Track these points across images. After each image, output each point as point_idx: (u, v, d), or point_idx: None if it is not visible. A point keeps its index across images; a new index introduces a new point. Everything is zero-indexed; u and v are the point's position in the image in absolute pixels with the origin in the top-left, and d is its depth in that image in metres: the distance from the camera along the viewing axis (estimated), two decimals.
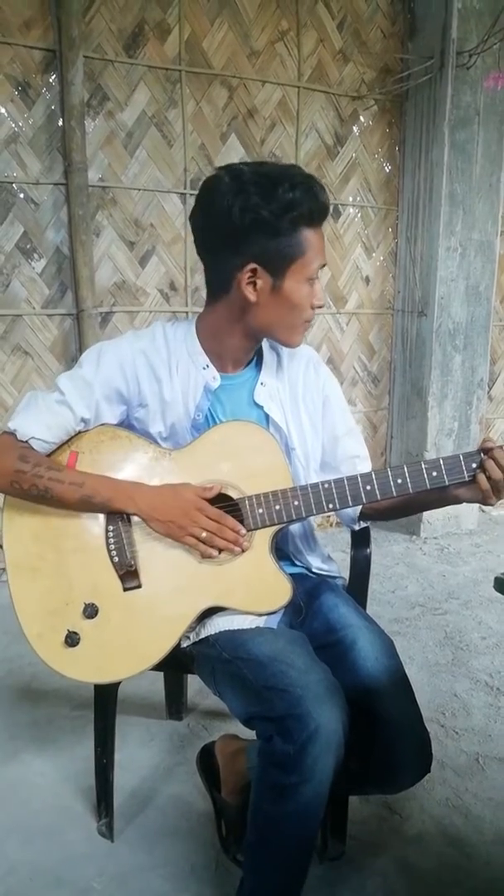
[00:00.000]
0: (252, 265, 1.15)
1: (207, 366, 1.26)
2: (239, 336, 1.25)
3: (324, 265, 1.20)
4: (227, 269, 1.17)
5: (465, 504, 1.22)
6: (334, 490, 1.17)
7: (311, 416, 1.34)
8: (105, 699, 1.42)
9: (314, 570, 1.39)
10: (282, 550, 1.35)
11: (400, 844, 1.47)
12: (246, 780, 1.37)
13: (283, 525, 1.20)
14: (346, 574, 1.45)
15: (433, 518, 3.37)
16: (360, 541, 1.47)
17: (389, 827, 1.51)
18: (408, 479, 1.16)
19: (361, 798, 1.55)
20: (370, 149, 3.25)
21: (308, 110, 3.07)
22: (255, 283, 1.17)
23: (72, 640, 1.16)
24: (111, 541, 1.19)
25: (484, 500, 1.16)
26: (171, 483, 1.20)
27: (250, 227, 1.12)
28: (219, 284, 1.22)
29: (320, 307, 1.23)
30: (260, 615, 1.19)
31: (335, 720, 1.02)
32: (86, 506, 1.18)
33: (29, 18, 2.49)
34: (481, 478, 1.13)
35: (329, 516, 3.38)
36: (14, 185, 2.57)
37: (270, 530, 1.19)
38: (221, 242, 1.17)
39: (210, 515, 1.17)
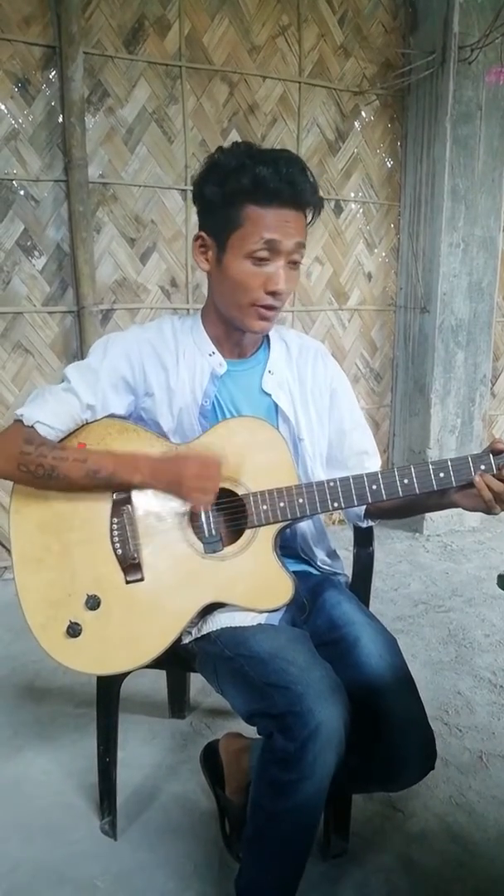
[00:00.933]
0: (200, 233, 1.21)
1: (213, 353, 1.27)
2: (221, 318, 1.26)
3: (270, 241, 1.12)
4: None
5: None
6: (339, 489, 1.17)
7: (318, 408, 1.33)
8: (108, 697, 1.42)
9: (318, 564, 1.38)
10: (290, 547, 1.35)
11: (403, 842, 1.46)
12: (250, 779, 1.36)
13: (288, 523, 1.20)
14: (348, 572, 1.44)
15: (436, 515, 3.36)
16: (363, 539, 1.46)
17: (392, 824, 1.51)
18: (414, 480, 1.14)
19: (365, 795, 1.55)
20: (372, 144, 3.24)
21: (309, 105, 3.06)
22: (205, 253, 1.21)
23: (73, 630, 1.16)
24: (115, 533, 1.19)
25: (487, 510, 1.14)
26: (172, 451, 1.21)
27: (200, 201, 1.20)
28: None
29: (274, 293, 1.16)
30: (261, 612, 1.19)
31: (336, 718, 1.01)
32: (92, 480, 1.16)
33: (28, 15, 2.48)
34: (482, 488, 1.11)
35: (332, 514, 3.37)
36: (14, 181, 2.57)
37: (275, 528, 1.19)
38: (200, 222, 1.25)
39: (209, 467, 1.16)
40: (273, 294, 1.16)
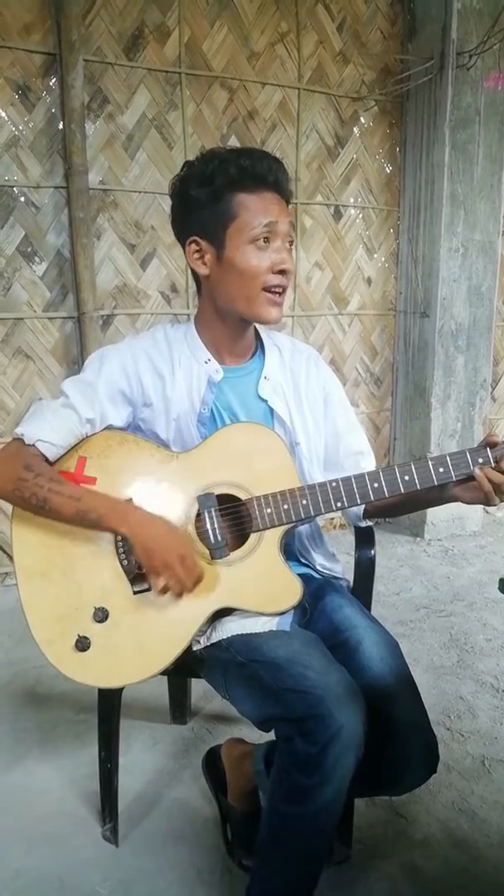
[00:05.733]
0: (192, 238, 1.21)
1: (209, 360, 1.28)
2: (220, 321, 1.27)
3: (270, 223, 1.16)
4: (185, 256, 1.24)
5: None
6: (342, 488, 1.17)
7: (313, 411, 1.34)
8: (109, 703, 1.41)
9: (318, 567, 1.38)
10: (289, 550, 1.35)
11: (406, 848, 1.46)
12: (252, 785, 1.36)
13: (292, 525, 1.20)
14: (350, 576, 1.44)
15: (437, 520, 3.36)
16: (364, 542, 1.46)
17: (395, 830, 1.50)
18: (415, 476, 1.15)
19: (367, 802, 1.54)
20: (371, 150, 3.25)
21: (308, 112, 3.07)
22: (202, 257, 1.21)
23: (82, 644, 1.15)
24: (120, 543, 1.19)
25: (487, 502, 1.15)
26: (170, 521, 1.18)
27: (188, 207, 1.20)
28: (194, 276, 1.27)
29: (282, 272, 1.18)
30: (270, 615, 1.18)
31: (356, 720, 1.01)
32: (80, 520, 1.16)
33: (29, 22, 2.49)
34: (482, 480, 1.12)
35: (333, 518, 3.37)
36: (15, 188, 2.58)
37: (279, 530, 1.19)
38: (178, 233, 1.25)
39: (187, 568, 1.14)
40: (282, 273, 1.19)
